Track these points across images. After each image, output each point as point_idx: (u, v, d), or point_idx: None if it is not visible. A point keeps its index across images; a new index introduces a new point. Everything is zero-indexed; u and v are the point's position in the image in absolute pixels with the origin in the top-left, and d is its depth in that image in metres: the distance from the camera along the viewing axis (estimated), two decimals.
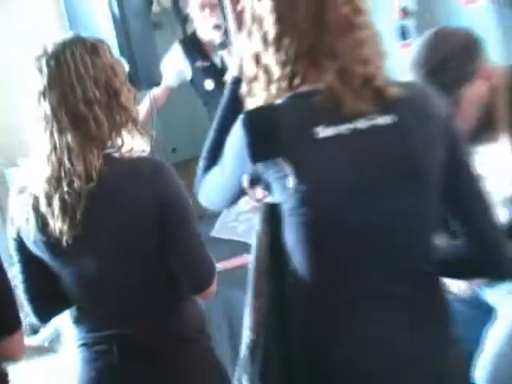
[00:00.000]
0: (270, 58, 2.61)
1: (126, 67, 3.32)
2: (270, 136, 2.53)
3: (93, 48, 3.07)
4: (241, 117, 2.59)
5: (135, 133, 3.11)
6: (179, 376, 3.07)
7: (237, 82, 2.89)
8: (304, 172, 2.51)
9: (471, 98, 3.52)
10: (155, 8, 7.66)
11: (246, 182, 2.61)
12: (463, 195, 2.73)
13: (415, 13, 6.09)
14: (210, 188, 2.86)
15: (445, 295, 2.79)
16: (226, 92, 2.99)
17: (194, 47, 6.87)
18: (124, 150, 3.08)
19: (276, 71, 2.60)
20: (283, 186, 2.52)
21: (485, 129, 3.56)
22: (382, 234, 2.60)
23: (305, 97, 2.58)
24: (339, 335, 2.61)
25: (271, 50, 2.60)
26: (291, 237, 2.59)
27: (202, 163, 2.91)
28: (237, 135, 2.61)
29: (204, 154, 2.91)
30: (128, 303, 3.11)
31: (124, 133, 3.09)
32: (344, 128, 2.52)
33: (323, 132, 2.50)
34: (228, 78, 2.98)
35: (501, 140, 3.53)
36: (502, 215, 3.36)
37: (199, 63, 6.77)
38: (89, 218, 2.98)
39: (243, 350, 2.67)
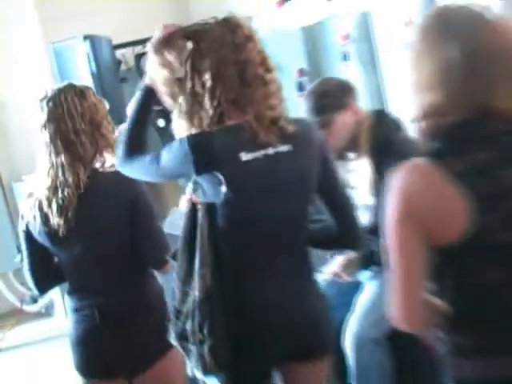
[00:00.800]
0: (206, 100, 2.64)
1: (107, 105, 3.33)
2: (209, 156, 2.61)
3: (80, 92, 3.15)
4: (186, 138, 2.65)
5: (114, 153, 3.10)
6: (146, 336, 3.04)
7: (148, 91, 2.98)
8: (232, 183, 2.58)
9: (341, 123, 3.60)
10: (123, 67, 7.80)
11: (189, 190, 2.72)
12: (333, 193, 2.84)
13: (309, 72, 6.14)
14: (141, 170, 2.85)
15: (311, 265, 2.86)
16: (139, 97, 3.01)
17: (151, 95, 6.82)
18: (106, 165, 3.16)
19: (210, 111, 2.64)
20: (217, 191, 2.60)
21: (350, 149, 3.65)
22: (280, 224, 2.70)
23: (231, 130, 2.63)
24: (252, 293, 2.69)
25: (207, 95, 2.64)
26: (222, 224, 2.65)
27: (123, 146, 2.88)
28: (182, 150, 2.63)
29: (124, 139, 2.90)
30: (106, 278, 3.12)
31: (107, 153, 3.16)
32: (259, 154, 2.60)
33: (245, 156, 2.59)
34: (141, 85, 3.01)
35: (362, 159, 3.61)
36: (364, 218, 3.43)
37: (154, 107, 6.73)
38: (78, 215, 3.04)
39: (189, 308, 2.70)
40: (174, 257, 2.86)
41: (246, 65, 2.65)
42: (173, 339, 2.78)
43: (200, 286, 2.66)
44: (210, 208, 2.67)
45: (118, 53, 7.72)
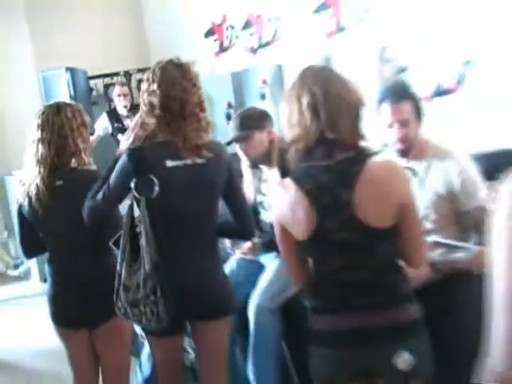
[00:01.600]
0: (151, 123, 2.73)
1: (87, 118, 3.27)
2: (144, 163, 2.67)
3: (57, 108, 3.10)
4: (128, 152, 2.70)
5: (88, 156, 3.12)
6: (103, 297, 2.88)
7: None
8: (161, 182, 2.62)
9: (259, 140, 3.57)
10: (94, 93, 7.79)
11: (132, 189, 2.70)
12: (233, 197, 2.86)
13: (235, 106, 6.14)
14: (97, 203, 2.79)
15: (217, 248, 2.91)
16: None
17: (114, 115, 6.81)
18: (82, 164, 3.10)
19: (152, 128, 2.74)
20: (152, 188, 2.63)
21: (264, 162, 3.62)
22: (195, 216, 2.73)
23: (161, 144, 2.71)
24: (176, 264, 2.71)
25: (152, 121, 2.72)
26: (157, 214, 2.67)
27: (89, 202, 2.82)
28: (124, 162, 2.69)
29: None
30: (73, 248, 3.07)
31: (83, 156, 3.10)
32: (180, 162, 2.67)
33: (169, 164, 2.66)
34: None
35: (272, 171, 3.56)
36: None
37: (116, 124, 6.72)
38: (53, 202, 3.00)
39: (139, 280, 2.70)
40: (115, 243, 2.87)
41: (186, 104, 2.70)
42: (118, 310, 2.78)
43: (148, 260, 2.66)
44: (149, 202, 2.66)
45: (91, 82, 7.76)
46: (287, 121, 2.27)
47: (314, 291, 2.39)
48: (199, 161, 2.71)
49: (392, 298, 2.26)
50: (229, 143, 3.70)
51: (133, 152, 2.71)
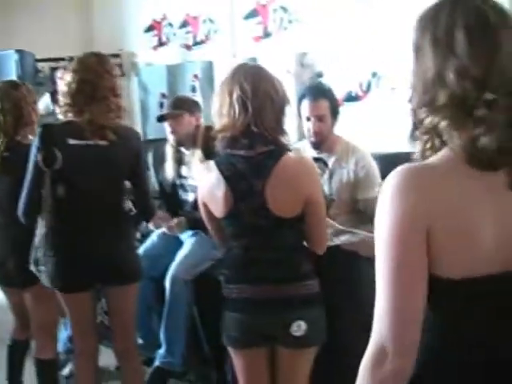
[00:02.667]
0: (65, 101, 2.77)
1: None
2: (49, 139, 2.69)
3: (16, 85, 3.15)
4: (39, 129, 2.77)
5: (32, 131, 3.07)
6: None
7: None
8: (63, 157, 2.66)
9: (187, 122, 3.62)
10: (40, 75, 7.54)
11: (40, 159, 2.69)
12: (138, 183, 2.86)
13: (168, 96, 5.97)
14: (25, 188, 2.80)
15: (125, 222, 2.91)
16: None
17: (56, 96, 6.59)
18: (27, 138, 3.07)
19: (63, 109, 2.77)
20: (56, 161, 2.65)
21: (189, 143, 3.64)
22: (95, 193, 2.75)
23: (68, 123, 2.74)
24: (77, 232, 2.77)
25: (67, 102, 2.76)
26: (59, 184, 2.70)
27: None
28: (35, 138, 2.75)
29: None
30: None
31: (35, 127, 3.08)
32: (82, 142, 2.69)
33: (71, 141, 2.69)
34: None
35: (195, 153, 3.59)
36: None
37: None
38: (2, 169, 3.02)
39: (39, 241, 2.78)
40: None
41: (98, 87, 2.75)
42: (33, 269, 2.83)
43: (44, 224, 2.73)
44: (55, 175, 2.69)
45: (39, 65, 7.53)
46: (218, 110, 2.29)
47: (228, 262, 2.44)
48: (101, 142, 2.70)
49: (294, 274, 2.33)
50: (160, 118, 3.69)
51: (42, 128, 2.74)
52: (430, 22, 1.21)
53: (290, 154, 2.27)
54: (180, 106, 3.63)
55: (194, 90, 5.69)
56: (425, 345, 1.25)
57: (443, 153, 1.23)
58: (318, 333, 2.36)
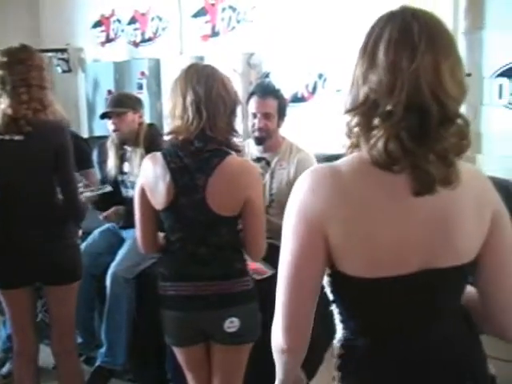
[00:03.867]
0: None
1: None
2: None
3: None
4: None
5: None
6: None
7: None
8: None
9: (131, 119, 3.55)
10: None
11: None
12: (62, 178, 2.74)
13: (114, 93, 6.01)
14: None
15: (59, 219, 2.81)
16: None
17: None
18: None
19: None
20: None
21: (130, 140, 3.58)
22: (21, 191, 2.69)
23: None
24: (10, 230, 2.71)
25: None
26: None
27: None
28: None
29: None
30: None
31: None
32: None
33: None
34: None
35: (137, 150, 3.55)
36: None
37: None
38: None
39: None
40: None
41: (6, 79, 2.64)
42: None
43: None
44: None
45: None
46: (171, 111, 2.30)
47: (165, 260, 2.44)
48: (17, 137, 2.63)
49: (229, 272, 2.34)
50: (103, 116, 3.64)
51: None
52: (367, 33, 1.31)
53: (235, 156, 2.30)
54: (123, 104, 3.58)
55: (140, 87, 5.64)
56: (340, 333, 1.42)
57: (355, 154, 1.32)
58: (251, 329, 2.38)
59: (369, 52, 1.28)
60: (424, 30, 1.25)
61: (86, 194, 3.24)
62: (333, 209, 1.28)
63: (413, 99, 1.23)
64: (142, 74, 5.67)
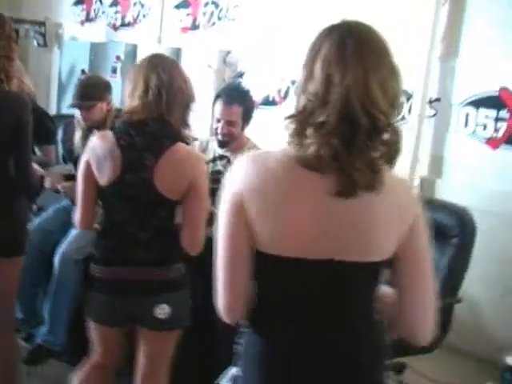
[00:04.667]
0: None
1: None
2: None
3: None
4: None
5: None
6: None
7: None
8: None
9: (99, 109, 3.53)
10: None
11: None
12: (17, 149, 2.65)
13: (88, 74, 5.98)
14: None
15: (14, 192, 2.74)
16: None
17: None
18: None
19: None
20: None
21: (99, 127, 3.30)
22: None
23: None
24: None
25: None
26: None
27: None
28: None
29: None
30: None
31: None
32: None
33: None
34: None
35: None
36: None
37: None
38: None
39: None
40: None
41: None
42: None
43: None
44: None
45: None
46: (130, 92, 2.33)
47: (100, 242, 2.44)
48: None
49: (164, 258, 2.35)
50: (72, 106, 3.62)
51: None
52: (309, 46, 1.43)
53: (185, 145, 2.34)
54: (91, 96, 3.54)
55: (114, 71, 5.62)
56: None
57: (285, 148, 1.43)
58: (181, 316, 2.40)
59: (308, 64, 1.40)
60: (357, 45, 1.36)
61: (55, 169, 3.20)
62: (252, 189, 1.42)
63: (345, 110, 1.33)
64: (118, 58, 5.64)
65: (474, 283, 3.32)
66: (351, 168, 1.34)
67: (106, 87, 3.71)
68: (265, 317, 1.52)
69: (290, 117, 1.41)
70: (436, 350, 2.93)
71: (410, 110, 4.00)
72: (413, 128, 3.91)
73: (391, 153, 1.39)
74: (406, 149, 4.27)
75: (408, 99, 3.98)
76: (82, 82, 3.80)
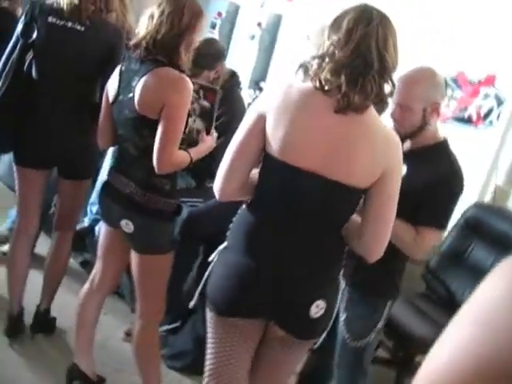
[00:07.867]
0: None
1: None
2: (33, 12, 2.71)
3: None
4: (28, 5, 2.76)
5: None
6: None
7: None
8: (38, 30, 2.71)
9: (206, 77, 3.54)
10: None
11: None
12: (103, 78, 2.71)
13: None
14: None
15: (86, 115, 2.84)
16: None
17: None
18: None
19: None
20: (31, 35, 2.71)
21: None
22: (62, 76, 2.76)
23: (54, 2, 2.70)
24: (40, 117, 2.78)
25: None
26: (31, 57, 2.76)
27: None
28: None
29: None
30: None
31: None
32: (60, 22, 2.68)
33: (50, 19, 2.69)
34: None
35: None
36: None
37: None
38: None
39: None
40: None
41: None
42: None
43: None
44: (29, 48, 2.74)
45: None
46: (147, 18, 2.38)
47: (115, 151, 2.91)
48: (78, 27, 2.69)
49: (145, 181, 2.43)
50: None
51: (29, 4, 2.73)
52: (337, 14, 1.80)
53: (171, 69, 2.32)
54: (199, 64, 3.43)
55: (213, 26, 5.63)
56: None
57: (308, 83, 1.80)
58: (159, 244, 2.54)
59: (337, 23, 1.75)
60: (382, 17, 1.75)
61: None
62: (274, 107, 1.79)
63: (360, 50, 1.70)
64: (219, 14, 5.67)
65: None
66: (352, 92, 1.70)
67: (217, 56, 3.67)
68: (259, 203, 1.91)
69: (313, 57, 1.77)
70: None
71: (498, 116, 3.87)
72: (497, 135, 3.80)
73: (383, 102, 1.79)
74: (486, 154, 4.15)
75: (499, 105, 3.85)
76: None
